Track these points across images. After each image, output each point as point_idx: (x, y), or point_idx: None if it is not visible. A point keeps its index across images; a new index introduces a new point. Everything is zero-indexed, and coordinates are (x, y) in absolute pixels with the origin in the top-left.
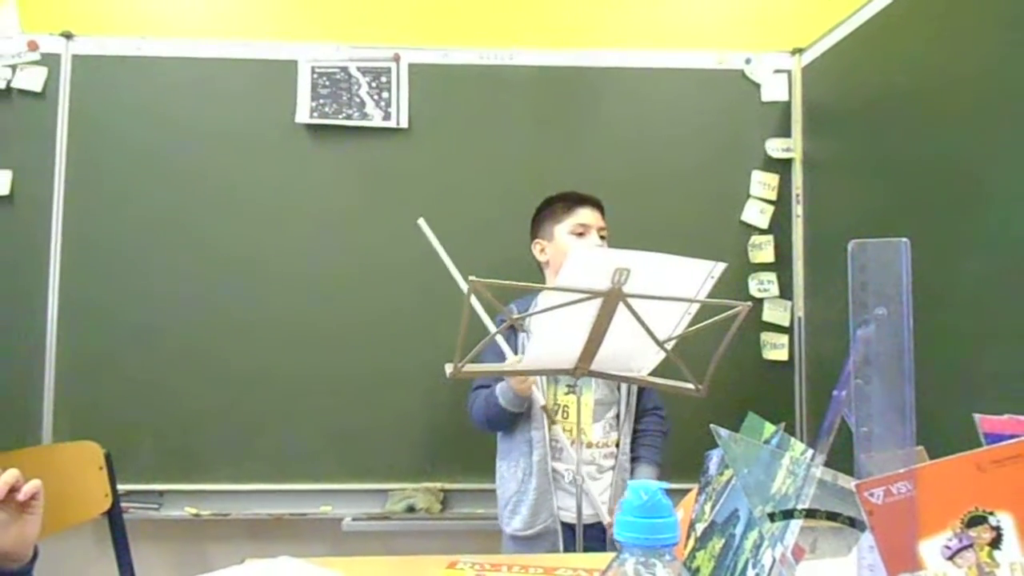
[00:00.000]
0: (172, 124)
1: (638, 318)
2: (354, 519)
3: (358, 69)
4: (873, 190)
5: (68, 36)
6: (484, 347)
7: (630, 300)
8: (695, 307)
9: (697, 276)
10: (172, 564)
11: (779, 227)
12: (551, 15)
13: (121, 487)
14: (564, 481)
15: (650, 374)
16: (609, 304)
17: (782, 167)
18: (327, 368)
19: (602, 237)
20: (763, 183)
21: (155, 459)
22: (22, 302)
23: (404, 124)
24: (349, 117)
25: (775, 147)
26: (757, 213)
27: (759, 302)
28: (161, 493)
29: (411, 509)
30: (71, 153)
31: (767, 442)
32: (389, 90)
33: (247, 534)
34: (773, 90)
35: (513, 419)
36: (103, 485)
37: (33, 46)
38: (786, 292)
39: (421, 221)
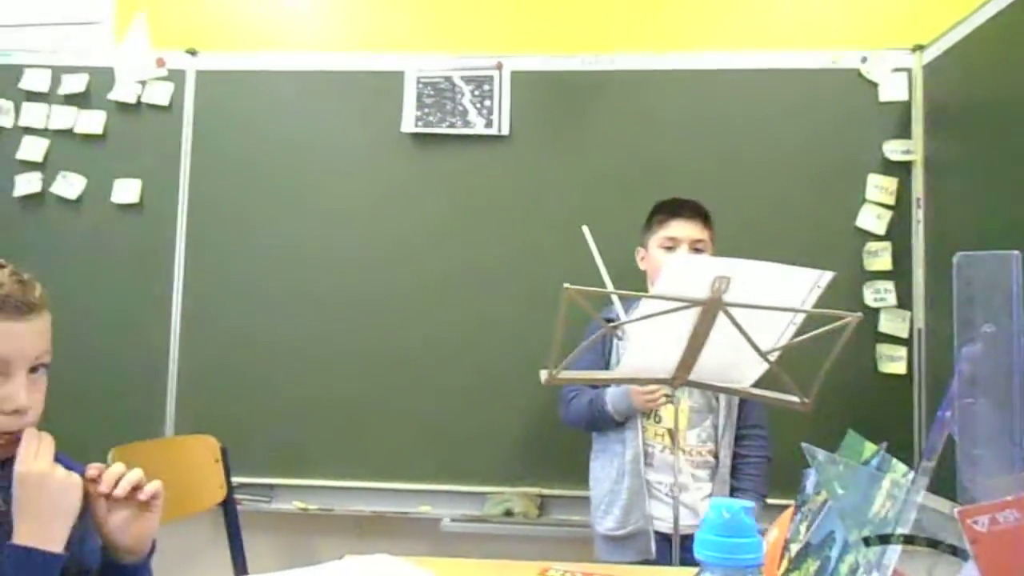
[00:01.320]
0: (286, 135)
1: (739, 328)
2: (453, 520)
3: (461, 78)
4: (1000, 195)
5: (193, 53)
6: (580, 354)
7: (731, 309)
8: (800, 317)
9: (803, 285)
10: (280, 555)
11: (897, 233)
12: (655, 18)
13: (235, 479)
14: (659, 490)
15: (753, 387)
16: (708, 313)
17: (901, 170)
18: (430, 373)
19: (697, 250)
20: (880, 187)
21: (267, 454)
22: (149, 304)
23: (505, 131)
24: (452, 125)
25: (894, 149)
26: (874, 219)
27: (875, 312)
28: (272, 487)
29: (509, 513)
30: (195, 164)
31: (867, 462)
32: (491, 98)
33: (351, 529)
34: (892, 89)
35: (610, 426)
36: (219, 477)
37: (161, 63)
38: (905, 302)
39: (585, 228)
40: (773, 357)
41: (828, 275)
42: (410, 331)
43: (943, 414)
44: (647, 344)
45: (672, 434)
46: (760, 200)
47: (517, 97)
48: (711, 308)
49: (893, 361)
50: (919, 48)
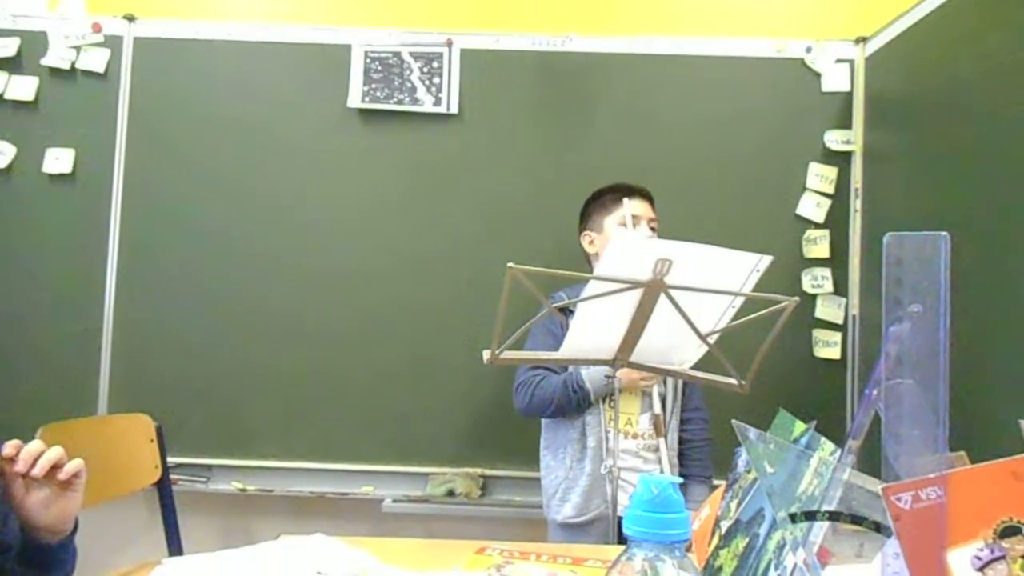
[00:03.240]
0: (227, 106)
1: (680, 310)
2: (394, 500)
3: (410, 54)
4: (936, 186)
5: (131, 19)
6: (522, 334)
7: (672, 292)
8: (739, 301)
9: (743, 269)
10: (218, 536)
11: (835, 222)
12: (606, 1)
13: (171, 460)
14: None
15: (692, 369)
16: (650, 295)
17: (841, 160)
18: (373, 352)
19: (652, 229)
20: (821, 176)
21: (205, 434)
22: (82, 277)
23: (455, 110)
24: (400, 102)
25: (835, 139)
26: (813, 207)
27: (812, 298)
28: (209, 467)
29: (451, 493)
30: (131, 133)
31: (797, 441)
32: (441, 75)
33: (290, 510)
34: (834, 80)
35: (581, 407)
36: (154, 457)
37: (97, 28)
38: (841, 289)
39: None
40: (712, 340)
41: (767, 259)
42: (353, 309)
43: (870, 393)
44: (590, 325)
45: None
46: (702, 186)
47: (467, 75)
48: (653, 290)
49: (828, 346)
50: (862, 40)
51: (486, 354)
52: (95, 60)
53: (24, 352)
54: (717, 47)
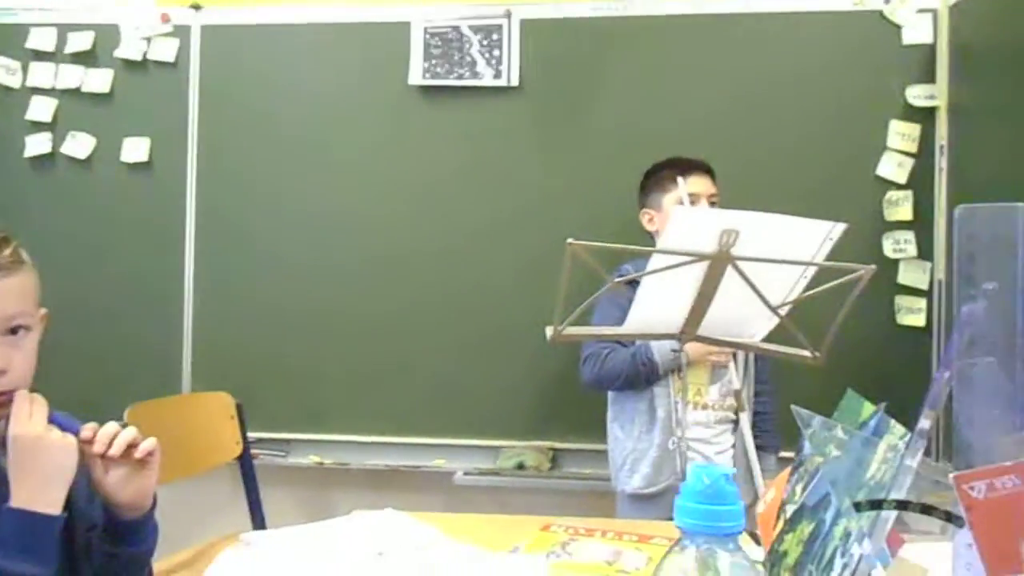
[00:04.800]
0: (292, 89)
1: (749, 282)
2: (466, 473)
3: (469, 27)
4: None
5: (196, 7)
6: (586, 309)
7: (740, 264)
8: (812, 271)
9: (814, 238)
10: (298, 508)
11: (919, 182)
12: None
13: (252, 435)
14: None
15: (763, 341)
16: (716, 268)
17: (924, 117)
18: (444, 326)
19: (712, 204)
20: (902, 134)
21: (283, 410)
22: (162, 262)
23: (515, 82)
24: (460, 77)
25: (917, 94)
26: (894, 167)
27: (894, 263)
28: (288, 442)
29: (521, 466)
30: (202, 119)
31: (865, 423)
32: (500, 47)
33: (367, 483)
34: (916, 32)
35: (650, 380)
36: (235, 433)
37: (165, 18)
38: (925, 253)
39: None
40: (784, 311)
41: (840, 227)
42: (422, 287)
43: (941, 375)
44: (654, 299)
45: (684, 388)
46: (778, 148)
47: (527, 46)
48: (719, 262)
49: (912, 313)
50: None
51: (549, 331)
52: (165, 50)
53: (110, 336)
54: (788, 3)
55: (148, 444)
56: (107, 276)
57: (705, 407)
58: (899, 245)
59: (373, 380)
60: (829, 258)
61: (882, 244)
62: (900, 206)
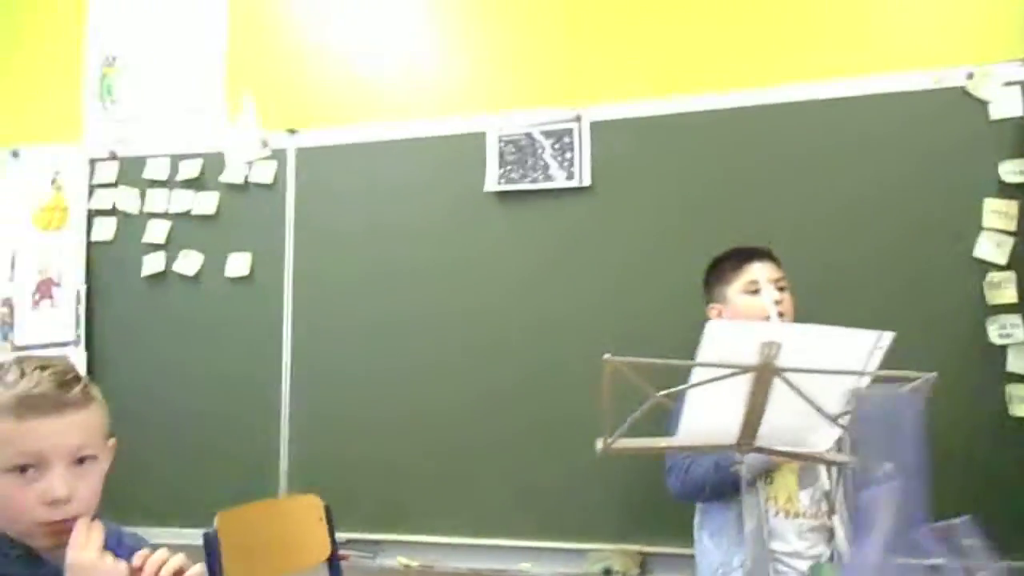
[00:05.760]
0: (379, 203)
1: (800, 393)
2: None
3: (541, 132)
4: None
5: (292, 131)
6: (635, 420)
7: (788, 375)
8: (866, 380)
9: (862, 347)
10: None
11: (1022, 262)
12: (737, 52)
13: (343, 535)
14: (778, 558)
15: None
16: (762, 379)
17: (1021, 193)
18: (527, 424)
19: (781, 289)
20: (998, 212)
21: (374, 510)
22: (262, 369)
23: (587, 182)
24: (535, 180)
25: (1011, 170)
26: (993, 247)
27: (1001, 349)
28: (377, 542)
29: (608, 571)
30: (298, 236)
31: None
32: (572, 149)
33: None
34: (1004, 106)
35: (738, 488)
36: (323, 536)
37: (264, 143)
38: None
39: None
40: (844, 421)
41: (889, 335)
42: (506, 385)
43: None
44: (702, 411)
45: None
46: (866, 237)
47: (598, 146)
48: (765, 374)
49: None
50: None
51: (599, 443)
52: (264, 173)
53: (217, 439)
54: (866, 86)
55: (195, 570)
56: (212, 382)
57: (797, 515)
58: (1005, 330)
59: (460, 479)
60: (927, 351)
61: (986, 329)
62: (1003, 288)
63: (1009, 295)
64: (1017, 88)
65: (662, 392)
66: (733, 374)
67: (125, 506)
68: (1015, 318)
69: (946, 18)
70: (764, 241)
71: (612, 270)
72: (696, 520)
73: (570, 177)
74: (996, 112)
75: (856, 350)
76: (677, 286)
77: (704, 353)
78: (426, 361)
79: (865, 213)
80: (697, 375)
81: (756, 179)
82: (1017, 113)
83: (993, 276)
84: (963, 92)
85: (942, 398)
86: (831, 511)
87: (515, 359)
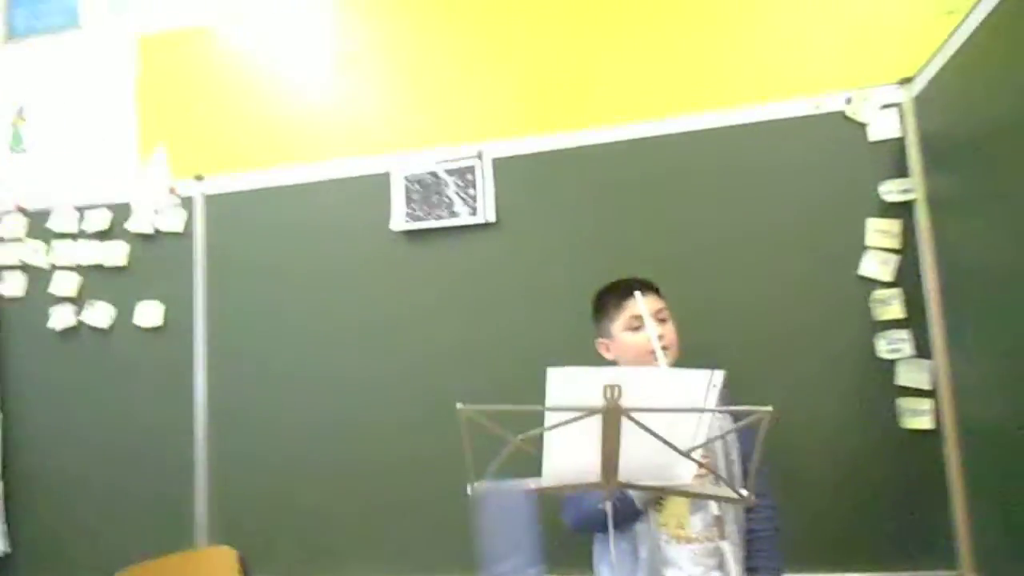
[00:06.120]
0: (288, 247)
1: (650, 431)
2: None
3: (445, 171)
4: (1010, 229)
5: (199, 178)
6: (498, 464)
7: (634, 414)
8: (708, 416)
9: (698, 386)
10: None
11: (908, 278)
12: (627, 87)
13: None
14: None
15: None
16: (610, 420)
17: (903, 211)
18: (441, 461)
19: (663, 320)
20: (881, 231)
21: (294, 556)
22: (178, 418)
23: (492, 218)
24: (439, 218)
25: (891, 190)
26: (878, 265)
27: (891, 363)
28: None
29: None
30: (209, 284)
31: None
32: (475, 186)
33: None
34: (882, 128)
35: (631, 518)
36: None
37: (173, 191)
38: (924, 351)
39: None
40: (698, 455)
41: (720, 374)
42: (418, 422)
43: None
44: (564, 451)
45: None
46: (756, 260)
47: (501, 183)
48: (610, 415)
49: (918, 416)
50: (906, 81)
51: (469, 488)
52: (173, 221)
53: (130, 492)
54: (752, 115)
55: None
56: (127, 434)
57: (689, 540)
58: (893, 345)
59: (379, 521)
60: (819, 368)
61: (875, 345)
62: (890, 304)
63: (895, 311)
64: (894, 110)
65: (520, 436)
66: (579, 417)
67: (42, 557)
68: (902, 333)
69: (824, 46)
70: (660, 268)
71: (518, 303)
72: (595, 552)
73: (474, 213)
74: (875, 133)
75: (693, 388)
76: (582, 316)
77: (551, 398)
78: (341, 403)
79: (755, 238)
80: (549, 419)
81: (651, 208)
82: (894, 134)
83: (879, 293)
84: (843, 116)
85: (836, 414)
86: (721, 534)
87: (428, 396)
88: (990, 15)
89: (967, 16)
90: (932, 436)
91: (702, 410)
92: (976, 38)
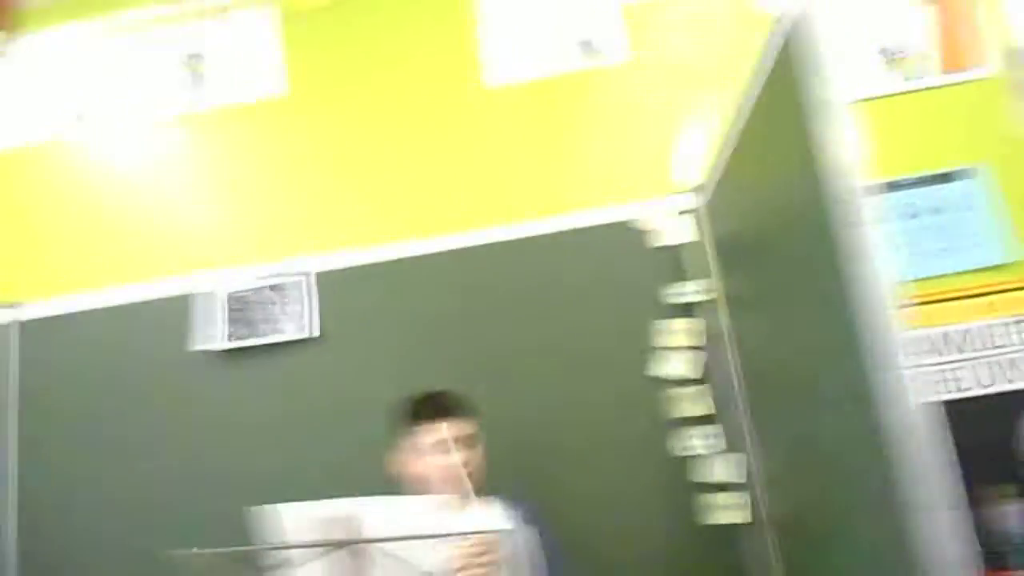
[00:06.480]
0: (107, 370)
1: (395, 556)
2: None
3: (269, 288)
4: (802, 321)
5: (12, 305)
6: None
7: (377, 544)
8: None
9: (427, 508)
10: None
11: (714, 375)
12: (438, 201)
13: None
14: None
15: None
16: (353, 551)
17: (704, 310)
18: None
19: (471, 447)
20: (672, 331)
21: None
22: None
23: (316, 333)
24: (264, 335)
25: (678, 291)
26: (682, 363)
27: (686, 461)
28: None
29: None
30: (24, 414)
31: None
32: (300, 302)
33: None
34: (675, 233)
35: None
36: None
37: None
38: (735, 445)
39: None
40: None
41: (441, 497)
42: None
43: None
44: None
45: None
46: (564, 369)
47: (325, 298)
48: (352, 546)
49: (728, 510)
50: (700, 188)
51: None
52: None
53: None
54: (550, 225)
55: None
56: None
57: None
58: (689, 442)
59: None
60: (620, 468)
61: (671, 443)
62: (683, 402)
63: (689, 409)
64: (690, 216)
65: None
66: (326, 552)
67: None
68: (697, 430)
69: (611, 161)
70: (474, 379)
71: (345, 417)
72: None
73: (300, 329)
74: (669, 239)
75: (424, 510)
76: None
77: (289, 537)
78: (167, 530)
79: (560, 347)
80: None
81: (466, 319)
82: (688, 239)
83: (680, 391)
84: (634, 225)
85: (638, 512)
86: None
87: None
88: (747, 126)
89: (732, 126)
90: (747, 529)
91: (436, 536)
92: (740, 145)
